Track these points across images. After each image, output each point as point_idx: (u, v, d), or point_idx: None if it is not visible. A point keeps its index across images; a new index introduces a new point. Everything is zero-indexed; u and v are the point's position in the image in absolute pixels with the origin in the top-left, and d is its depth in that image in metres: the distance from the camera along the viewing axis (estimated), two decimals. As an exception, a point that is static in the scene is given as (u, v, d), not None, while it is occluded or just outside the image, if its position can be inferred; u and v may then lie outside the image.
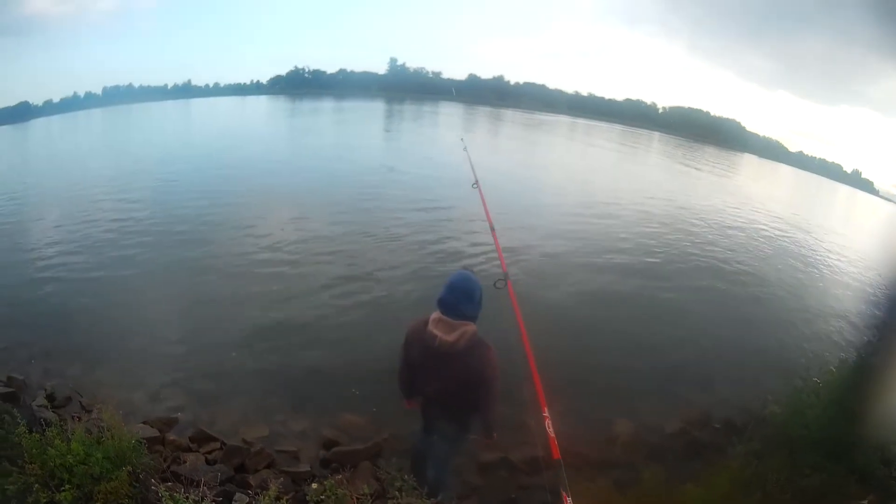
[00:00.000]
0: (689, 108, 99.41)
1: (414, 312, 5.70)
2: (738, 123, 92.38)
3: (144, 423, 7.75)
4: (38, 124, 62.49)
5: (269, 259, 14.61)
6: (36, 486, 5.00)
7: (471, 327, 4.82)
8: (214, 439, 7.68)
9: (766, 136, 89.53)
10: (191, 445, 7.52)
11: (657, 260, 17.07)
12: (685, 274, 16.22)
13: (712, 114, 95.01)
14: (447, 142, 37.34)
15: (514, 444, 7.32)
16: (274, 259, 14.61)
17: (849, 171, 78.94)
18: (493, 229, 6.33)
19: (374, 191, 22.50)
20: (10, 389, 8.04)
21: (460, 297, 4.82)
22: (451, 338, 4.77)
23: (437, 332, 4.84)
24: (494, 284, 5.43)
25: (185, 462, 6.92)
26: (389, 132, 51.50)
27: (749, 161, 69.51)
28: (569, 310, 12.72)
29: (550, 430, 4.02)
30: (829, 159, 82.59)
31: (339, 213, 18.94)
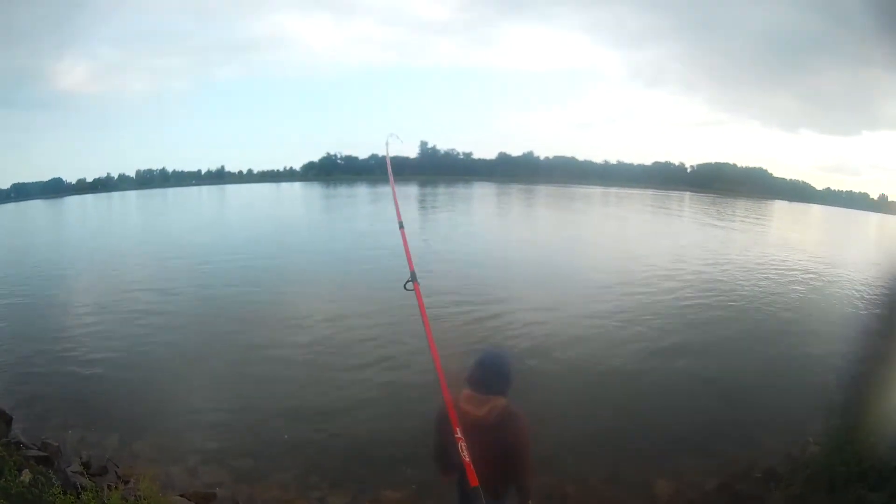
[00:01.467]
0: (715, 163, 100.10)
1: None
2: (765, 171, 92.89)
3: (182, 496, 7.53)
4: (72, 201, 63.81)
5: (306, 340, 14.48)
6: None
7: (500, 401, 4.67)
8: None
9: (793, 178, 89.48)
10: None
11: (688, 314, 16.80)
12: (717, 324, 15.89)
13: (739, 165, 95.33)
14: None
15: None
16: (311, 340, 14.47)
17: (875, 197, 78.55)
18: (401, 226, 6.10)
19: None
20: (45, 454, 7.95)
21: (489, 374, 4.74)
22: (480, 412, 4.64)
23: (467, 408, 4.68)
24: (404, 286, 5.22)
25: None
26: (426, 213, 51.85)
27: (780, 207, 69.35)
28: (605, 375, 12.45)
29: (466, 456, 3.89)
30: (856, 190, 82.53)
31: (375, 294, 18.71)
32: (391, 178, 6.53)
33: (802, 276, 23.25)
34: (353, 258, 25.50)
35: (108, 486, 6.71)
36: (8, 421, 9.51)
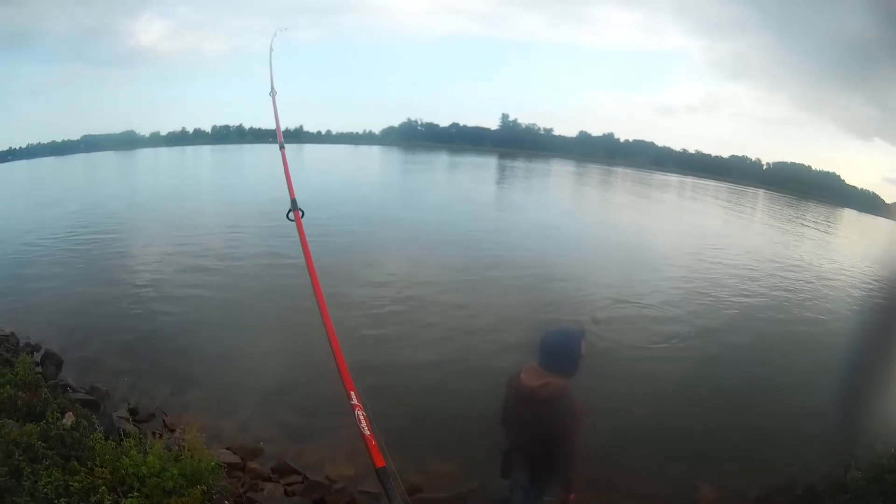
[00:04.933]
0: (791, 163, 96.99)
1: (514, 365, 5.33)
2: (838, 177, 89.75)
3: (227, 448, 7.61)
4: (145, 153, 64.76)
5: (371, 301, 14.32)
6: (102, 488, 4.84)
7: (560, 381, 4.61)
8: (297, 472, 7.45)
9: (864, 188, 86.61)
10: (271, 476, 7.32)
11: (745, 319, 16.18)
12: (773, 334, 15.30)
13: (814, 168, 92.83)
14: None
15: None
16: (376, 302, 14.32)
17: None
18: (282, 148, 5.83)
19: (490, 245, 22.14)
20: (92, 398, 8.07)
21: (557, 350, 4.70)
22: (534, 384, 4.63)
23: (525, 379, 4.72)
24: (287, 215, 5.26)
25: (262, 490, 6.72)
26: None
27: (849, 216, 67.11)
28: (660, 370, 12.17)
29: (365, 428, 3.21)
30: None
31: (458, 264, 18.67)
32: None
33: (867, 292, 22.37)
34: (434, 226, 25.32)
35: (153, 434, 6.73)
36: (58, 364, 9.75)
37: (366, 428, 3.12)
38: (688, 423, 9.80)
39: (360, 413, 3.20)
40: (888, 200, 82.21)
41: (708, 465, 8.73)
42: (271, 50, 9.58)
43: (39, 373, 8.50)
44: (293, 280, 15.06)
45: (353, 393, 3.30)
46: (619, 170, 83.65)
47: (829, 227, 47.89)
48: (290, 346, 11.29)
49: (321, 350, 10.75)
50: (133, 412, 8.04)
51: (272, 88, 7.76)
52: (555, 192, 48.28)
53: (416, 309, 14.10)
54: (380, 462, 3.02)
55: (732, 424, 9.90)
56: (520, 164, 78.06)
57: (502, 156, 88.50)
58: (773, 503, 7.92)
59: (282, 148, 5.80)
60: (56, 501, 4.57)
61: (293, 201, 4.95)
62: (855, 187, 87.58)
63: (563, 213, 31.64)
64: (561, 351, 4.66)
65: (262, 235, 20.29)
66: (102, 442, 5.49)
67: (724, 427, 9.81)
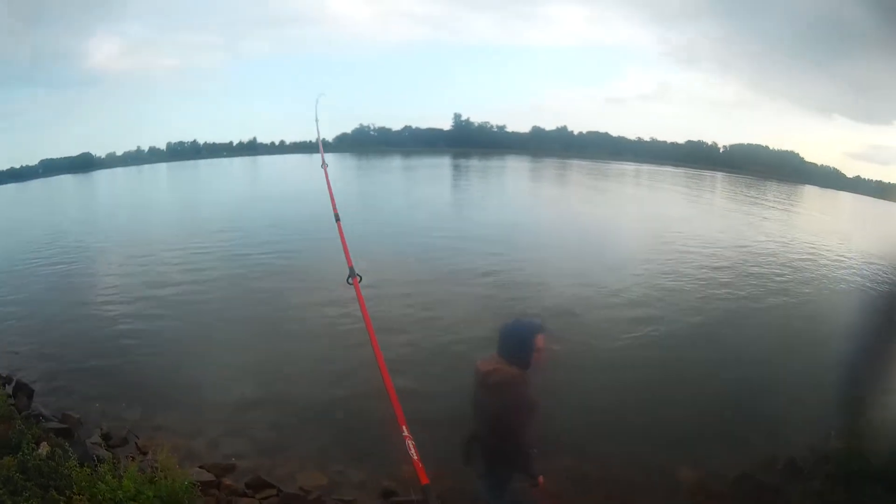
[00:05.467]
0: (748, 144, 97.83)
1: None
2: (797, 155, 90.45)
3: (201, 467, 7.69)
4: (101, 175, 64.21)
5: (335, 312, 14.36)
6: None
7: (511, 369, 4.77)
8: (271, 486, 7.54)
9: (824, 164, 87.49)
10: (247, 491, 7.41)
11: (716, 299, 16.52)
12: (747, 313, 15.61)
13: (771, 148, 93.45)
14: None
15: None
16: (339, 309, 14.37)
17: None
18: (337, 219, 5.96)
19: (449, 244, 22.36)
20: (65, 426, 8.11)
21: (507, 338, 4.87)
22: (485, 369, 4.82)
23: (480, 364, 4.92)
24: (347, 280, 5.16)
25: None
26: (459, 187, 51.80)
27: (810, 192, 68.00)
28: (631, 358, 12.39)
29: (414, 454, 3.54)
30: (886, 180, 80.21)
31: (413, 261, 19.16)
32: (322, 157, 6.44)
33: (836, 267, 22.72)
34: (392, 234, 25.41)
35: (127, 458, 6.85)
36: (30, 394, 9.73)
37: (414, 454, 3.47)
38: (663, 409, 9.98)
39: (409, 442, 3.57)
40: (849, 175, 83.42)
41: (686, 448, 8.92)
42: (317, 120, 9.77)
43: (12, 404, 8.53)
44: (258, 296, 15.24)
45: (404, 427, 3.70)
46: (575, 162, 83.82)
47: (790, 204, 48.73)
48: (254, 361, 11.50)
49: (284, 364, 10.96)
50: (106, 437, 8.09)
51: (323, 161, 7.84)
52: (512, 189, 48.44)
53: (382, 315, 14.20)
54: (424, 480, 3.34)
55: (707, 407, 10.11)
56: (475, 163, 78.27)
57: (456, 155, 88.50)
58: (755, 480, 8.05)
59: (337, 220, 5.89)
60: None
61: (351, 269, 5.05)
62: (815, 164, 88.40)
63: (521, 210, 31.76)
64: (513, 340, 4.81)
65: (225, 253, 20.32)
66: (78, 469, 5.55)
67: (700, 410, 10.02)
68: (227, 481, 7.52)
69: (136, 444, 8.17)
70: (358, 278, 5.09)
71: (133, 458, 6.66)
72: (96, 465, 5.87)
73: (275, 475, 7.87)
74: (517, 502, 5.57)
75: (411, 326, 13.44)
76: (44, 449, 6.21)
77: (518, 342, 4.81)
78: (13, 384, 10.00)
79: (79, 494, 5.21)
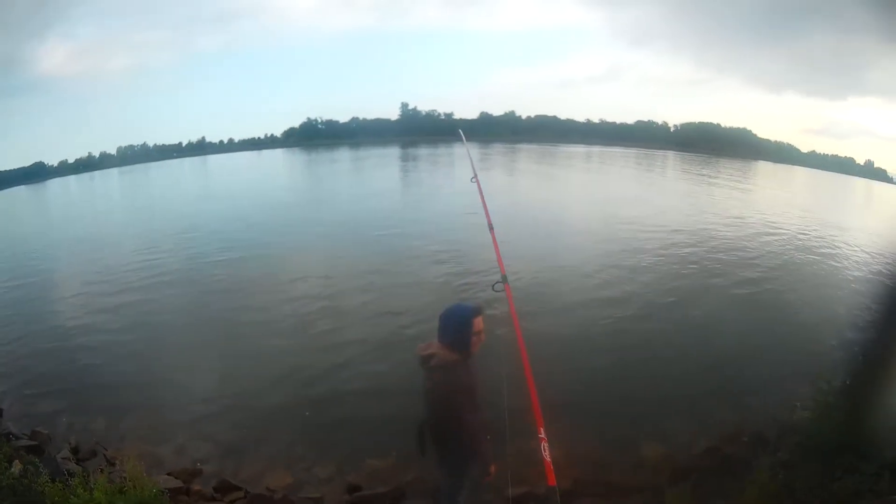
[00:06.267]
0: (700, 122, 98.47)
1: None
2: (750, 132, 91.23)
3: (169, 474, 7.83)
4: (54, 184, 63.37)
5: (292, 308, 14.75)
6: None
7: (449, 354, 4.83)
8: (238, 488, 7.71)
9: (778, 140, 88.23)
10: (215, 495, 7.56)
11: (677, 277, 16.93)
12: (707, 289, 16.08)
13: (723, 125, 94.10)
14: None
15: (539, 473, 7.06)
16: (297, 308, 14.75)
17: (862, 163, 77.27)
18: (491, 228, 6.18)
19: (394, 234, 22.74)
20: (35, 443, 8.21)
21: (444, 322, 4.93)
22: (423, 353, 4.88)
23: (420, 348, 4.98)
24: (493, 287, 5.32)
25: None
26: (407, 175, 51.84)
27: (764, 168, 68.71)
28: (588, 328, 12.77)
29: (547, 455, 3.68)
30: (842, 154, 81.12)
31: (364, 259, 19.23)
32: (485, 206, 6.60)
33: (794, 239, 23.18)
34: (339, 226, 25.55)
35: (96, 470, 6.89)
36: None
37: (548, 455, 3.64)
38: (627, 386, 10.27)
39: (544, 444, 3.72)
40: (804, 150, 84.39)
41: (650, 422, 9.21)
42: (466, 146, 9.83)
43: (-21, 425, 8.59)
44: (217, 298, 15.31)
45: (542, 428, 3.82)
46: (524, 146, 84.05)
47: (744, 180, 49.16)
48: (217, 364, 11.59)
49: (247, 364, 11.10)
50: (75, 451, 8.16)
51: (475, 174, 7.92)
52: (461, 177, 48.43)
53: (337, 309, 14.55)
54: (552, 481, 3.57)
55: (672, 383, 10.39)
56: (423, 151, 78.06)
57: (405, 145, 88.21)
58: (721, 452, 8.25)
59: (491, 230, 6.06)
60: None
61: (503, 276, 5.20)
62: (769, 140, 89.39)
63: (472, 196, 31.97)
64: (451, 325, 4.89)
65: (179, 256, 20.31)
66: (50, 485, 5.66)
67: (665, 386, 10.27)
68: (195, 486, 7.66)
69: (104, 455, 8.26)
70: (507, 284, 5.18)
71: (102, 470, 6.73)
72: (67, 480, 5.97)
73: (241, 477, 8.06)
74: (474, 490, 5.82)
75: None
76: (16, 467, 6.30)
77: (456, 326, 4.86)
78: None
79: None
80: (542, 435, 3.82)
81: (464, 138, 10.22)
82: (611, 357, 11.50)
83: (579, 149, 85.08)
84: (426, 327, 12.47)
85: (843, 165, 76.28)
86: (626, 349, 11.89)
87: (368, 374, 11.09)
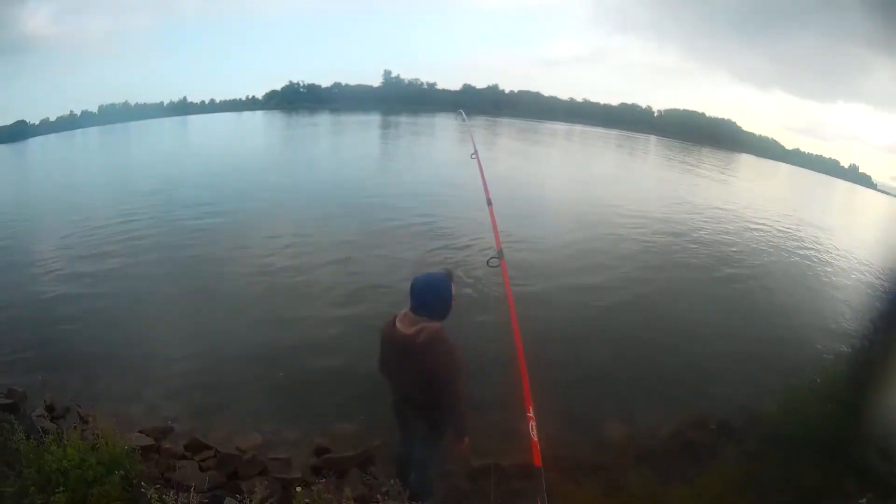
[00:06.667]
0: (684, 110, 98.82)
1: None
2: (734, 124, 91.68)
3: (140, 432, 7.89)
4: (35, 143, 62.81)
5: (267, 272, 14.81)
6: (32, 488, 5.15)
7: (433, 325, 4.84)
8: (209, 447, 7.76)
9: (763, 135, 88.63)
10: (185, 454, 7.61)
11: (653, 262, 17.10)
12: (682, 276, 16.31)
13: (708, 115, 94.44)
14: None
15: (506, 448, 7.10)
16: (272, 272, 14.82)
17: (846, 166, 77.92)
18: (489, 203, 6.28)
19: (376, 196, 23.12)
20: (11, 401, 8.19)
21: (425, 294, 4.92)
22: (410, 331, 4.85)
23: (399, 326, 4.95)
24: (487, 262, 5.52)
25: (178, 469, 7.03)
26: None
27: (746, 161, 69.02)
28: (563, 309, 12.86)
29: (534, 434, 3.81)
30: (826, 155, 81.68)
31: (337, 221, 19.61)
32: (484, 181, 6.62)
33: (774, 233, 23.46)
34: (313, 190, 25.59)
35: (70, 427, 6.84)
36: None
37: (535, 435, 3.80)
38: (594, 365, 10.39)
39: (532, 423, 3.87)
40: (788, 147, 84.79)
41: (614, 401, 9.32)
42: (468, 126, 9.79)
43: (-46, 382, 8.54)
44: (193, 260, 15.34)
45: (530, 407, 3.96)
46: (505, 120, 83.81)
47: (726, 171, 49.36)
48: (191, 325, 11.72)
49: (221, 327, 11.16)
50: (50, 409, 8.18)
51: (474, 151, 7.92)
52: (445, 149, 48.13)
53: (312, 278, 14.56)
54: (538, 462, 3.70)
55: (640, 366, 10.53)
56: (405, 120, 77.79)
57: (386, 112, 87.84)
58: (686, 437, 8.38)
59: (489, 204, 6.12)
60: None
61: (499, 252, 5.46)
62: (753, 133, 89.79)
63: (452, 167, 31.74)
64: (431, 294, 4.89)
65: (154, 220, 20.15)
66: (25, 442, 5.70)
67: (632, 369, 10.43)
68: (165, 445, 7.71)
69: (77, 413, 8.26)
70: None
71: (76, 428, 6.71)
72: (42, 437, 6.00)
73: (211, 437, 8.09)
74: (442, 459, 5.92)
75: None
76: None
77: (437, 295, 4.91)
78: None
79: (28, 468, 5.37)
80: (531, 414, 3.96)
81: (465, 118, 10.29)
82: (579, 335, 11.66)
83: (561, 126, 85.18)
84: (396, 286, 12.67)
85: (827, 166, 76.78)
86: (605, 333, 12.02)
87: (340, 342, 11.12)
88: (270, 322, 12.02)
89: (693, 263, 17.52)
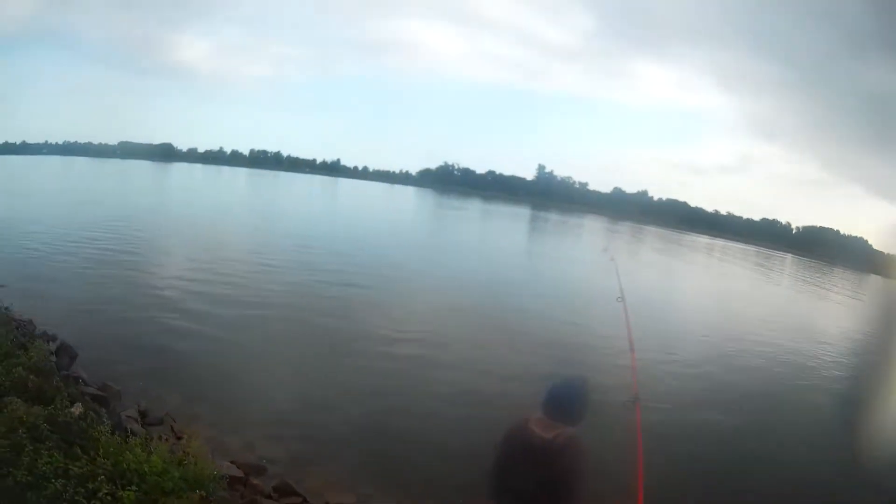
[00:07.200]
0: (819, 227, 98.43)
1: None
2: (866, 242, 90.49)
3: (232, 462, 7.57)
4: (181, 167, 66.04)
5: (400, 351, 14.25)
6: (102, 477, 4.94)
7: (570, 430, 4.64)
8: (298, 494, 7.38)
9: (893, 254, 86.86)
10: (272, 494, 7.26)
11: (792, 401, 15.92)
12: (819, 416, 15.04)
13: (842, 232, 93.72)
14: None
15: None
16: (405, 352, 14.25)
17: None
18: (632, 349, 5.96)
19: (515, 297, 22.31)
20: (103, 394, 8.13)
21: (563, 402, 4.72)
22: (548, 435, 4.62)
23: (536, 430, 4.69)
24: (623, 403, 5.22)
25: None
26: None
27: (876, 283, 66.83)
28: (687, 445, 11.98)
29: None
30: None
31: (475, 312, 18.87)
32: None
33: None
34: (454, 278, 25.36)
35: (159, 437, 6.79)
36: (73, 356, 9.82)
37: None
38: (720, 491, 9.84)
39: None
40: None
41: None
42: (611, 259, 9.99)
43: (53, 361, 8.57)
44: (324, 318, 15.23)
45: None
46: (651, 228, 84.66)
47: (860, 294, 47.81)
48: (305, 377, 11.43)
49: (334, 386, 10.82)
50: (142, 414, 8.08)
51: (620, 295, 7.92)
52: (592, 255, 48.40)
53: (439, 359, 14.07)
54: None
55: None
56: (554, 217, 79.09)
57: (536, 206, 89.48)
58: None
59: (632, 350, 5.96)
60: (53, 481, 4.64)
61: (635, 395, 5.24)
62: (882, 253, 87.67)
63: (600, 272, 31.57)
64: (571, 401, 4.71)
65: (294, 266, 20.51)
66: (108, 436, 5.55)
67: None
68: (254, 481, 7.41)
69: (171, 427, 8.12)
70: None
71: (166, 439, 6.65)
72: (127, 437, 5.87)
73: (303, 485, 7.71)
74: None
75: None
76: (77, 409, 6.18)
77: (577, 402, 4.74)
78: (58, 343, 10.12)
79: (104, 458, 5.18)
80: None
81: (613, 259, 10.01)
82: (715, 462, 10.86)
83: (703, 239, 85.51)
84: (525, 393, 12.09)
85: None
86: (732, 456, 11.23)
87: (459, 426, 10.57)
88: (389, 392, 11.62)
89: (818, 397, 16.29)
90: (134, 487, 4.96)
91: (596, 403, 4.71)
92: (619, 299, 7.44)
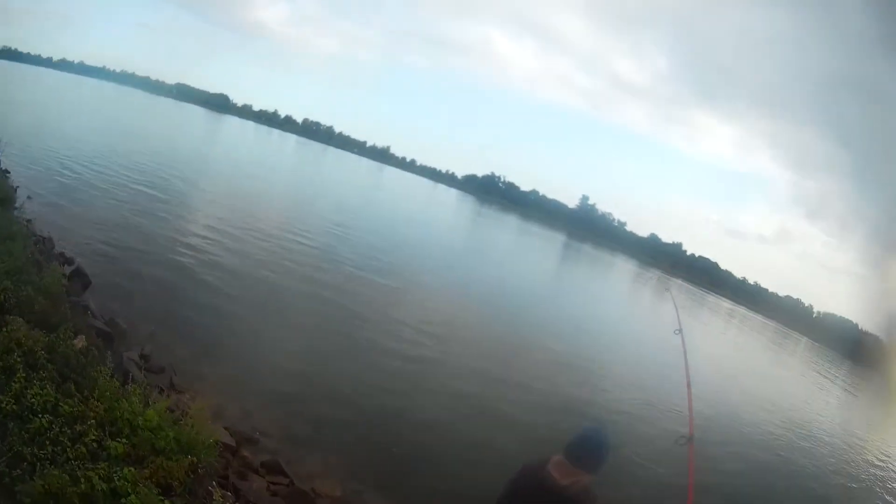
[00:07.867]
0: (840, 317, 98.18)
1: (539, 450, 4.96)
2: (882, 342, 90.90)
3: (226, 428, 7.30)
4: (233, 121, 66.44)
5: (419, 344, 14.12)
6: (92, 421, 4.76)
7: (587, 477, 4.44)
8: (285, 475, 7.16)
9: None
10: (259, 469, 7.05)
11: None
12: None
13: (861, 327, 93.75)
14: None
15: None
16: (425, 346, 14.09)
17: None
18: (689, 386, 5.71)
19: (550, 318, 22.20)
20: (108, 330, 7.91)
21: (589, 449, 4.51)
22: (566, 482, 4.43)
23: (555, 473, 4.47)
24: (676, 441, 5.00)
25: (247, 480, 6.49)
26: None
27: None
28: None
29: None
30: None
31: (505, 322, 18.83)
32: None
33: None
34: (479, 285, 25.14)
35: (159, 389, 6.68)
36: (86, 284, 9.70)
37: None
38: None
39: None
40: None
41: None
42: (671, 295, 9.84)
43: (65, 286, 8.32)
44: (349, 302, 15.04)
45: None
46: (678, 281, 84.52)
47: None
48: (320, 359, 11.26)
49: (349, 375, 10.59)
50: (144, 358, 7.87)
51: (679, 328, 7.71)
52: (619, 295, 48.01)
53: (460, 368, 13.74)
54: None
55: None
56: (588, 250, 79.36)
57: (571, 235, 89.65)
58: None
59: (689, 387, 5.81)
60: (40, 416, 4.44)
61: (690, 436, 4.95)
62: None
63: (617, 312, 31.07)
64: (598, 452, 4.46)
65: (323, 247, 20.37)
66: (107, 378, 5.34)
67: None
68: (244, 452, 7.20)
69: (171, 378, 7.91)
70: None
71: (165, 392, 6.53)
72: (126, 383, 5.70)
73: (293, 467, 7.47)
74: None
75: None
76: (80, 342, 5.97)
77: (601, 452, 4.48)
78: (73, 267, 10.01)
79: (97, 401, 4.96)
80: None
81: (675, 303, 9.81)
82: None
83: (726, 304, 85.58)
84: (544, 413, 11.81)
85: None
86: None
87: (470, 445, 10.16)
88: (401, 389, 11.34)
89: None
90: (124, 439, 4.76)
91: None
92: (677, 332, 7.30)
